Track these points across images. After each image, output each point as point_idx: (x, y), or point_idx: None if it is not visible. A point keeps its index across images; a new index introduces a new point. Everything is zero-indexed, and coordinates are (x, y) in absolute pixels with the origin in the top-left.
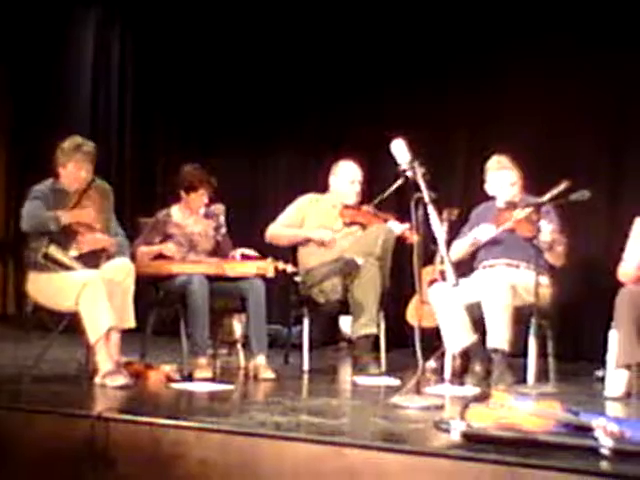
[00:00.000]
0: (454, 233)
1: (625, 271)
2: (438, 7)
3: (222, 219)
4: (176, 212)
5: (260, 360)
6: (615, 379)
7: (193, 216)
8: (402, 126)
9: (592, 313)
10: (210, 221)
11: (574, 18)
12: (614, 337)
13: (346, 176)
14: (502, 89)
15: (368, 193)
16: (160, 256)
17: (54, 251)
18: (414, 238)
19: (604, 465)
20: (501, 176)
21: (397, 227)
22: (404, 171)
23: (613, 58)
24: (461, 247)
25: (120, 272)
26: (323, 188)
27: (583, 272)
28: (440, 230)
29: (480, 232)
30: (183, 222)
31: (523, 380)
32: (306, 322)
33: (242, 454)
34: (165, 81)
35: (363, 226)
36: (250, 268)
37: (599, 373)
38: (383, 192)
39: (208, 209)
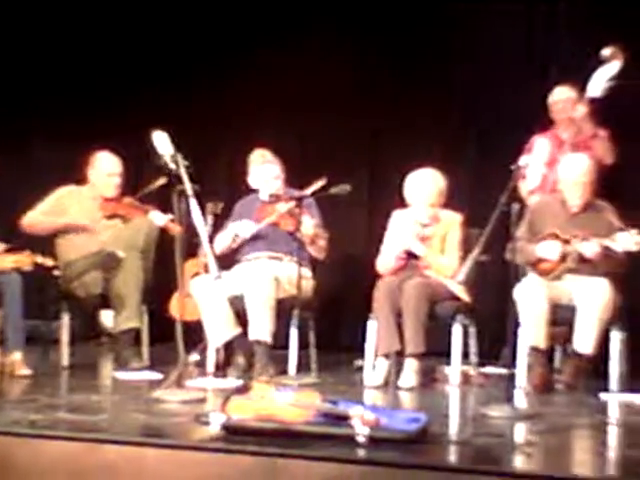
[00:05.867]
0: (219, 226)
1: (383, 263)
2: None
3: None
4: None
5: (16, 356)
6: (374, 368)
7: None
8: (165, 118)
9: (352, 304)
10: None
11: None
12: (373, 327)
13: (104, 168)
14: (265, 83)
15: (133, 185)
16: None
17: None
18: (177, 229)
19: (360, 452)
20: (264, 170)
21: (159, 218)
22: (166, 163)
23: (375, 51)
24: (223, 242)
25: None
26: (83, 181)
27: (344, 264)
28: (202, 223)
29: (240, 228)
30: None
31: (286, 371)
32: (66, 317)
33: None
34: None
35: (125, 219)
36: (7, 262)
37: (359, 363)
38: (147, 185)
39: None
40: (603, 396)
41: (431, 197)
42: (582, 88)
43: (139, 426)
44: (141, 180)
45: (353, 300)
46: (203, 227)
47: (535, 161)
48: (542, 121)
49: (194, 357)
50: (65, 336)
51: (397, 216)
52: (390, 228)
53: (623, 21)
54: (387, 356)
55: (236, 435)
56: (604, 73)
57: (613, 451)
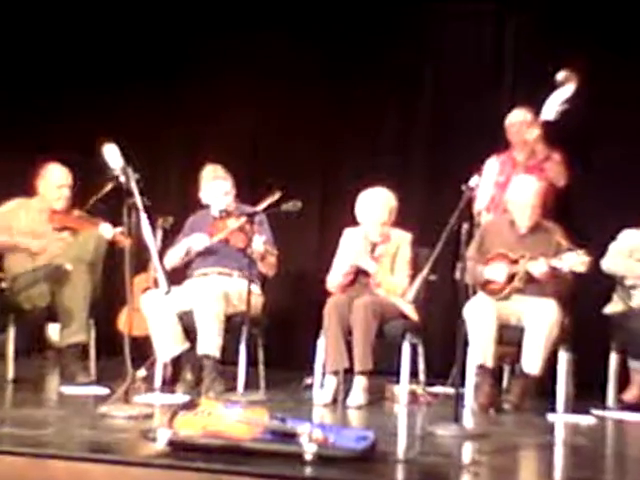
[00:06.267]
0: (169, 241)
1: (333, 280)
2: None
3: None
4: None
5: None
6: (323, 386)
7: None
8: (115, 131)
9: (302, 321)
10: None
11: (290, 22)
12: (322, 345)
13: (54, 180)
14: (218, 97)
15: (81, 197)
16: None
17: None
18: (126, 242)
19: (307, 470)
20: (215, 185)
21: (108, 231)
22: (117, 176)
23: (328, 70)
24: (176, 256)
25: None
26: (32, 192)
27: (294, 281)
28: (152, 237)
29: (194, 241)
30: None
31: (234, 388)
32: (12, 330)
33: None
34: None
35: (74, 231)
36: None
37: (308, 380)
38: (95, 197)
39: None
40: (550, 416)
41: (382, 216)
42: (537, 111)
43: (85, 441)
44: (88, 192)
45: (303, 317)
46: (153, 241)
47: (484, 182)
48: (499, 143)
49: (142, 372)
50: (11, 349)
51: (348, 234)
52: (341, 246)
53: (574, 33)
54: (336, 374)
55: (183, 451)
56: (558, 96)
57: (559, 472)
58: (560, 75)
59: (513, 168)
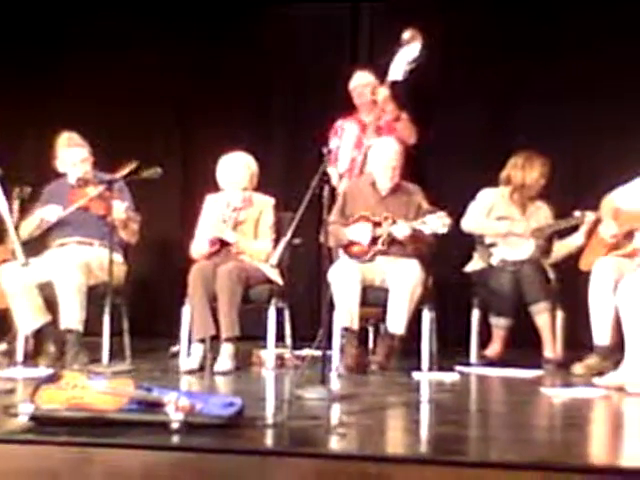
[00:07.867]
0: (26, 212)
1: (196, 248)
2: None
3: None
4: None
5: None
6: (190, 354)
7: None
8: None
9: (166, 289)
10: None
11: None
12: (187, 312)
13: None
14: (75, 64)
15: None
16: None
17: None
18: None
19: (174, 439)
20: (72, 153)
21: None
22: None
23: (188, 42)
24: (29, 227)
25: None
26: None
27: (157, 249)
28: (7, 208)
29: (46, 213)
30: None
31: (99, 359)
32: None
33: None
34: None
35: None
36: None
37: (174, 349)
38: None
39: None
40: (415, 375)
41: (243, 181)
42: (384, 71)
43: None
44: None
45: (167, 285)
46: (8, 212)
47: (344, 144)
48: (347, 106)
49: (2, 346)
50: None
51: (210, 200)
52: (203, 212)
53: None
54: (202, 341)
55: (46, 426)
56: (404, 56)
57: (425, 429)
58: (406, 34)
59: (362, 131)
